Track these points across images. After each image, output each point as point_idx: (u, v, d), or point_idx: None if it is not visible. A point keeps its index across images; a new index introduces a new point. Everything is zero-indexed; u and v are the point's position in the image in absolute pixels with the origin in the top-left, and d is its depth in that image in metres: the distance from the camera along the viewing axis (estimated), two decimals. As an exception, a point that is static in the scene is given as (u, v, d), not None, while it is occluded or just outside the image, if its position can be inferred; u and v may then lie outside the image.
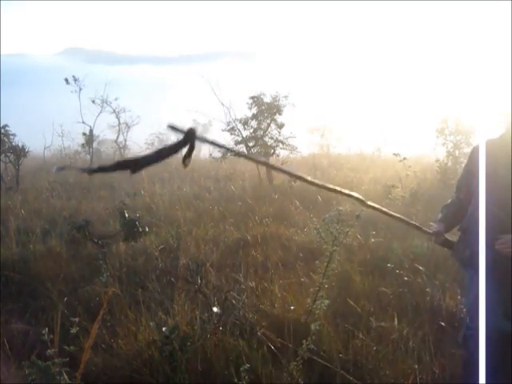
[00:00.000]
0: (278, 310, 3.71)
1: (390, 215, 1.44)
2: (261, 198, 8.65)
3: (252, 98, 11.64)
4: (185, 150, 0.78)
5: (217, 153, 11.87)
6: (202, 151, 19.89)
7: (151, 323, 3.20)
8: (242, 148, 11.64)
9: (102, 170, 0.71)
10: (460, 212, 2.75)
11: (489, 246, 2.08)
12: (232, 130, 11.70)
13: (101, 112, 17.43)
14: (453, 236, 2.84)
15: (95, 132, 16.47)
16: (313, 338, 2.83)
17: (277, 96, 11.59)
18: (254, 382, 2.84)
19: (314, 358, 2.98)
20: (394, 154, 9.48)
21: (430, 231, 2.64)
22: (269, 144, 11.57)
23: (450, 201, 2.84)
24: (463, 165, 2.97)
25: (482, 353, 1.38)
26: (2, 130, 11.37)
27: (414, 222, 2.06)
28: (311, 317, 3.37)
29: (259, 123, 11.61)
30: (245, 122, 11.64)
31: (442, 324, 3.60)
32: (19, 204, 8.33)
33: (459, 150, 10.69)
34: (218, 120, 12.16)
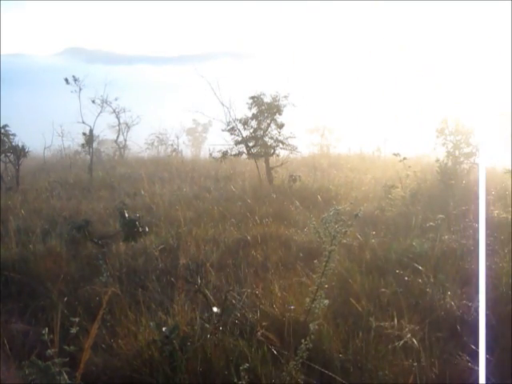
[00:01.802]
0: (278, 310, 3.71)
1: None
2: (261, 198, 8.65)
3: (252, 98, 11.64)
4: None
5: (217, 153, 11.89)
6: (202, 151, 19.90)
7: (151, 323, 3.20)
8: (241, 148, 11.65)
9: None
10: None
11: None
12: (232, 130, 11.70)
13: (101, 112, 17.40)
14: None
15: (95, 132, 16.43)
16: (312, 337, 2.83)
17: (277, 96, 11.59)
18: (254, 382, 2.84)
19: (314, 357, 2.98)
20: (394, 154, 9.50)
21: None
22: (269, 144, 11.58)
23: None
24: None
25: (482, 352, 1.37)
26: (2, 130, 11.40)
27: None
28: (310, 316, 3.37)
29: (259, 123, 11.61)
30: (245, 122, 11.64)
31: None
32: (19, 204, 8.33)
33: (459, 150, 10.70)
34: (218, 120, 12.16)
